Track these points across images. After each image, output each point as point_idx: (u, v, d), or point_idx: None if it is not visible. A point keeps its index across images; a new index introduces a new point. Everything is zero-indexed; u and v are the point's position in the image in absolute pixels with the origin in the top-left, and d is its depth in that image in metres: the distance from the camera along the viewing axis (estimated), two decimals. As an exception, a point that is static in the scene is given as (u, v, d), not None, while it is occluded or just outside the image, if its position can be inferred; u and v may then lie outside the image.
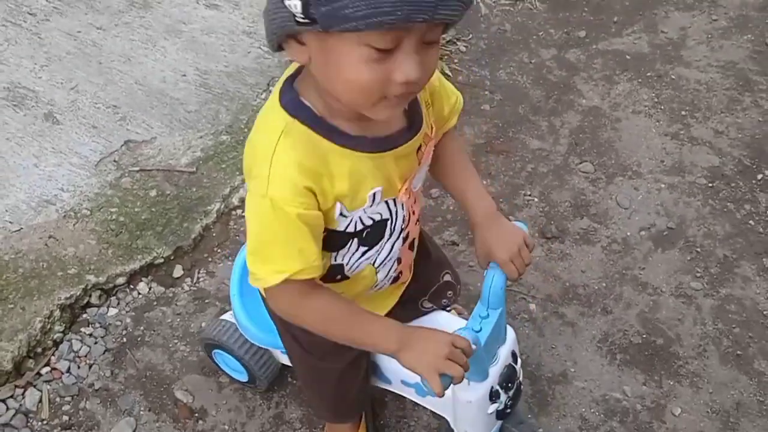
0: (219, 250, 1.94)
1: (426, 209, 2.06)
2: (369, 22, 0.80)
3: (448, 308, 1.41)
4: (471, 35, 2.53)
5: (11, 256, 1.82)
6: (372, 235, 1.09)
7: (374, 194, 1.03)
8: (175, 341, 1.76)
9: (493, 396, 1.29)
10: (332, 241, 1.04)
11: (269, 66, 2.37)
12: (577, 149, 2.18)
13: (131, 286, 1.85)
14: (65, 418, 1.63)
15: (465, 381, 1.11)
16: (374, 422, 1.60)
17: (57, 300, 1.76)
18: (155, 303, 1.83)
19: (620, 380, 1.69)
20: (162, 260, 1.89)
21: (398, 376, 1.36)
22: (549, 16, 2.62)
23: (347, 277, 1.13)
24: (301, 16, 0.83)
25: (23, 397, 1.64)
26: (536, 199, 2.05)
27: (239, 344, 1.54)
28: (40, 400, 1.65)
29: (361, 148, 0.99)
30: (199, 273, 1.89)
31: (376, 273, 1.17)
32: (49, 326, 1.73)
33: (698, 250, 1.93)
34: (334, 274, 1.12)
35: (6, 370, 1.64)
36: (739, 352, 1.73)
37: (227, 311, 1.79)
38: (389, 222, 1.10)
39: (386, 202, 1.07)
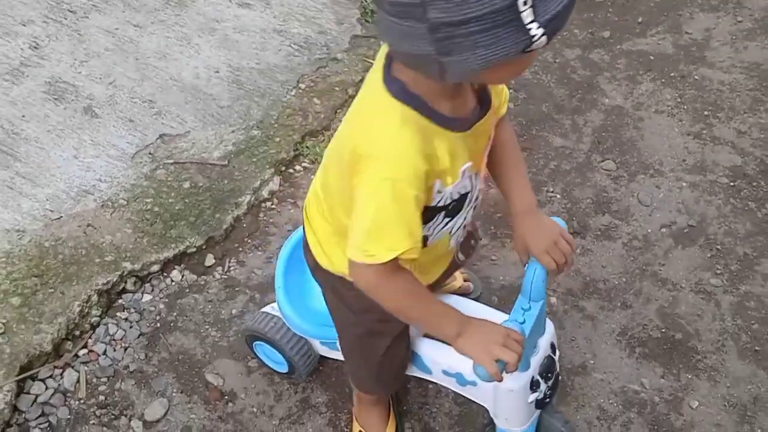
0: (249, 241, 2.01)
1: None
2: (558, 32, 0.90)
3: (470, 257, 1.48)
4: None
5: (51, 243, 1.90)
6: (456, 207, 1.19)
7: (465, 170, 1.13)
8: (207, 327, 1.82)
9: (534, 385, 1.35)
10: (425, 216, 1.13)
11: (299, 63, 2.43)
12: (600, 147, 2.22)
13: (165, 274, 1.92)
14: (101, 398, 1.70)
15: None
16: (397, 408, 1.66)
17: (94, 285, 1.83)
18: (187, 290, 1.90)
19: (639, 373, 1.72)
20: (194, 249, 1.96)
21: (439, 366, 1.42)
22: (574, 16, 2.65)
23: (426, 246, 1.21)
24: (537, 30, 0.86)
25: (62, 378, 1.72)
26: (558, 196, 2.09)
27: (282, 335, 1.60)
28: (78, 381, 1.72)
29: (455, 128, 1.08)
30: (229, 262, 1.96)
31: (450, 240, 1.27)
32: (86, 310, 1.81)
33: (718, 247, 1.96)
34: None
35: (46, 352, 1.72)
36: (757, 348, 1.76)
37: (258, 300, 1.86)
38: (469, 194, 1.19)
39: (469, 177, 1.16)
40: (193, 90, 2.29)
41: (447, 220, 1.20)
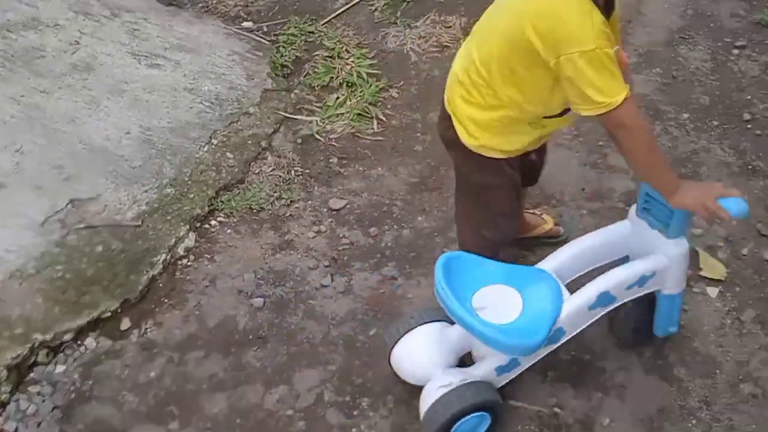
0: (166, 300, 2.01)
1: (364, 247, 2.17)
2: None
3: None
4: (402, 82, 2.68)
5: (-40, 317, 1.87)
6: None
7: (616, 49, 1.42)
8: (124, 393, 1.81)
9: None
10: None
11: (211, 120, 2.47)
12: (505, 182, 2.31)
13: (78, 342, 1.91)
14: (18, 473, 1.66)
15: None
16: None
17: (3, 361, 1.80)
18: (103, 357, 1.88)
19: (552, 396, 1.79)
20: (109, 314, 1.95)
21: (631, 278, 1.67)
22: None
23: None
24: None
25: (-25, 457, 1.68)
26: (468, 232, 2.17)
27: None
28: (-8, 459, 1.69)
29: (606, 15, 1.41)
30: (146, 324, 1.96)
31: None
32: (-3, 386, 1.77)
33: (619, 269, 2.07)
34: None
35: (-44, 431, 1.68)
36: (659, 362, 1.85)
37: (177, 361, 1.86)
38: None
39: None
40: (103, 152, 2.30)
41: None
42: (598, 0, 1.39)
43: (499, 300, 1.59)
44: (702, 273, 2.05)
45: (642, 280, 1.66)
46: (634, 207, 1.71)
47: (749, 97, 2.54)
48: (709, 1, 2.90)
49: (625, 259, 1.73)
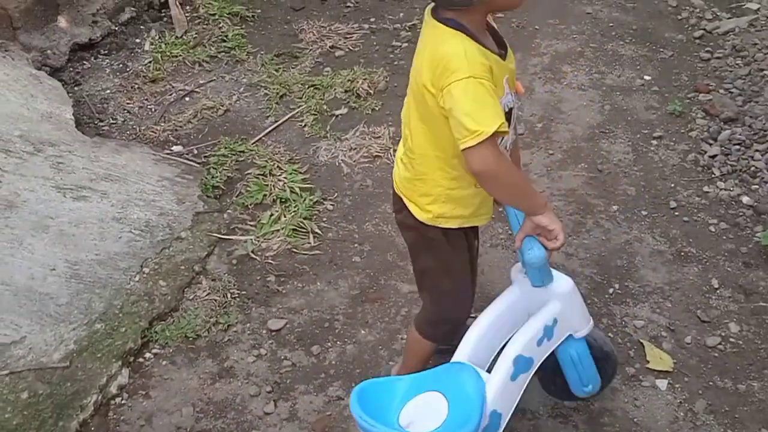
0: (98, 445, 1.89)
1: (307, 367, 2.10)
2: None
3: None
4: (336, 194, 2.68)
5: None
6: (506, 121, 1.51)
7: (506, 81, 1.51)
8: None
9: None
10: None
11: (141, 248, 2.41)
12: (445, 288, 2.30)
13: (4, 500, 1.76)
14: None
15: None
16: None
17: None
18: None
19: None
20: (36, 466, 1.81)
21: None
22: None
23: None
24: None
25: None
26: (412, 343, 2.13)
27: None
28: None
29: (494, 52, 1.49)
30: (77, 473, 1.82)
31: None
32: None
33: (567, 368, 2.04)
34: None
35: None
36: (618, 463, 1.80)
37: None
38: (512, 111, 1.56)
39: (511, 94, 1.54)
40: (27, 292, 2.21)
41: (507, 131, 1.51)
42: (478, 37, 1.46)
43: (425, 408, 1.57)
44: (649, 366, 2.04)
45: (548, 331, 1.69)
46: (514, 268, 1.77)
47: (672, 185, 2.63)
48: (624, 96, 3.04)
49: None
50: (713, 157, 2.72)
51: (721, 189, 2.59)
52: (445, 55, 1.43)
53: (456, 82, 1.41)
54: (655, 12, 3.52)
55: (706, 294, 2.25)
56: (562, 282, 1.71)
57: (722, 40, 3.29)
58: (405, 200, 1.68)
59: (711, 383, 2.00)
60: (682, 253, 2.38)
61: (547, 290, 1.69)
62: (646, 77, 3.13)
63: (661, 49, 3.28)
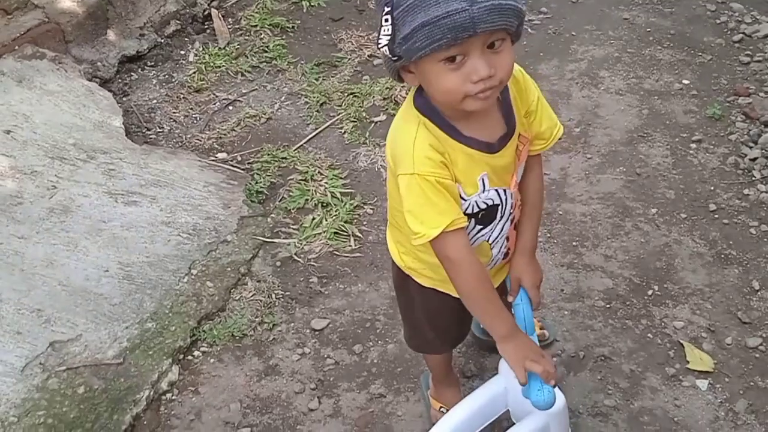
0: (151, 438, 1.96)
1: (350, 365, 2.15)
2: (432, 47, 1.19)
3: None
4: (376, 198, 2.74)
5: (-64, 475, 1.81)
6: (486, 216, 1.44)
7: (483, 179, 1.38)
8: None
9: None
10: None
11: (189, 250, 2.49)
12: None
13: (63, 489, 1.84)
14: None
15: None
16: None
17: None
18: (88, 502, 1.81)
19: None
20: (93, 456, 1.89)
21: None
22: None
23: None
24: (392, 56, 1.26)
25: None
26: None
27: None
28: None
29: (471, 145, 1.35)
30: (131, 464, 1.90)
31: (491, 248, 1.52)
32: None
33: (607, 368, 2.06)
34: None
35: None
36: (658, 461, 1.82)
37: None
38: (500, 207, 1.45)
39: (497, 191, 1.42)
40: (83, 292, 2.30)
41: (480, 227, 1.45)
42: (452, 123, 1.34)
43: None
44: (689, 366, 2.05)
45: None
46: (503, 362, 1.59)
47: (712, 188, 2.63)
48: (662, 101, 3.04)
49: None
50: (753, 160, 2.71)
51: (761, 192, 2.58)
52: (397, 144, 1.37)
53: (401, 175, 1.34)
54: (693, 16, 3.52)
55: (746, 296, 2.24)
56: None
57: (762, 44, 3.28)
58: (387, 237, 1.66)
59: (752, 383, 2.00)
60: (722, 255, 2.38)
61: None
62: (685, 81, 3.13)
63: (700, 54, 3.28)
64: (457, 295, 1.51)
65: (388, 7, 1.22)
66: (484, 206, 1.42)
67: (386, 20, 1.23)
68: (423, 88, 1.34)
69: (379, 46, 1.27)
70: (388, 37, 1.24)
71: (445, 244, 1.35)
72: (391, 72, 1.35)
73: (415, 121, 1.34)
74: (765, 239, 2.42)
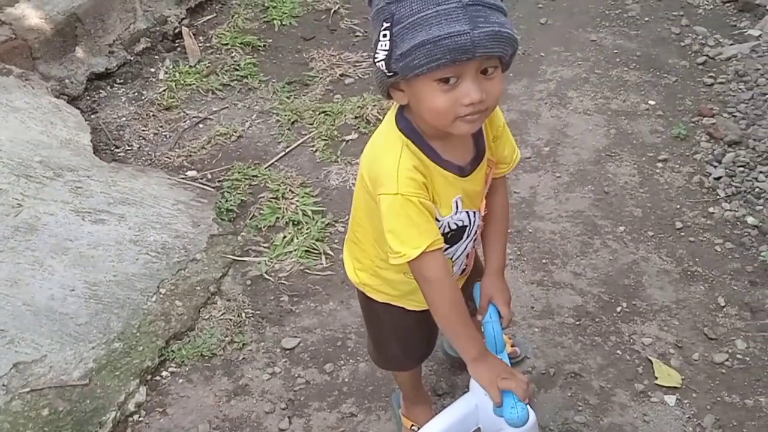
0: (117, 460, 1.92)
1: (321, 385, 2.13)
2: (430, 66, 1.21)
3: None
4: (347, 216, 2.71)
5: None
6: (454, 237, 1.47)
7: (456, 201, 1.42)
8: None
9: None
10: None
11: (157, 269, 2.46)
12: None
13: None
14: None
15: None
16: None
17: None
18: None
19: None
20: (57, 480, 1.85)
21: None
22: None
23: None
24: (388, 72, 1.25)
25: None
26: (424, 360, 2.17)
27: None
28: None
29: (448, 168, 1.38)
30: (96, 488, 1.86)
31: (453, 265, 1.55)
32: None
33: (577, 384, 2.07)
34: None
35: None
36: (628, 478, 1.83)
37: None
38: (468, 228, 1.48)
39: (467, 212, 1.45)
40: (47, 312, 2.26)
41: (447, 246, 1.45)
42: (432, 146, 1.36)
43: None
44: (658, 382, 2.07)
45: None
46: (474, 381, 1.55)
47: (678, 206, 2.67)
48: (629, 121, 3.10)
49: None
50: (718, 179, 2.76)
51: (726, 210, 2.64)
52: (378, 163, 1.37)
53: (383, 195, 1.34)
54: (658, 39, 3.60)
55: (712, 312, 2.28)
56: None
57: (725, 66, 3.36)
58: (344, 253, 1.68)
59: (719, 399, 2.03)
60: (689, 273, 2.41)
61: None
62: (651, 102, 3.19)
63: (665, 75, 3.35)
64: (415, 309, 1.59)
65: (387, 23, 1.23)
66: (454, 227, 1.45)
67: (384, 35, 1.24)
68: (409, 107, 1.34)
69: (375, 60, 1.27)
70: (386, 53, 1.24)
71: (424, 264, 1.36)
72: (380, 87, 1.34)
73: (398, 142, 1.35)
74: (729, 256, 2.46)
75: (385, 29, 1.24)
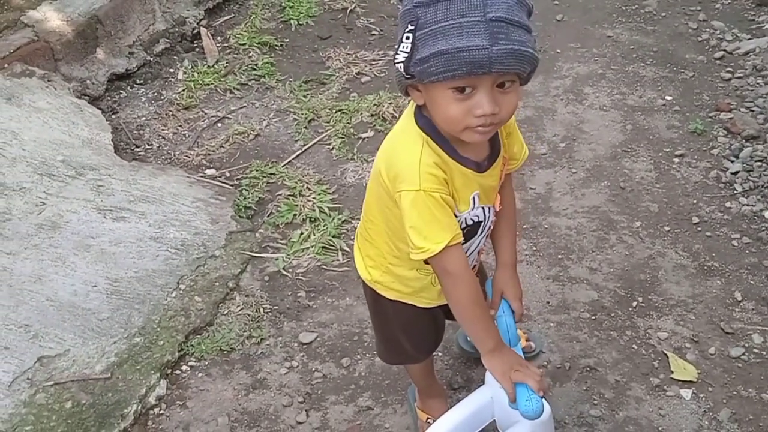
0: (138, 452, 1.96)
1: (338, 379, 2.16)
2: (445, 75, 1.23)
3: None
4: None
5: None
6: (470, 232, 1.49)
7: (474, 197, 1.43)
8: None
9: None
10: None
11: (177, 265, 2.50)
12: (471, 302, 2.35)
13: (49, 504, 1.83)
14: None
15: None
16: None
17: None
18: None
19: None
20: (80, 471, 1.89)
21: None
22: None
23: None
24: (406, 74, 1.29)
25: None
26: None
27: None
28: None
29: (466, 164, 1.40)
30: (119, 478, 1.89)
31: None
32: None
33: (592, 378, 2.08)
34: None
35: None
36: (643, 470, 1.83)
37: None
38: (482, 223, 1.50)
39: (483, 208, 1.47)
40: (70, 308, 2.31)
41: (462, 241, 1.45)
42: (451, 143, 1.38)
43: None
44: (673, 376, 2.07)
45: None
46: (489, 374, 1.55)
47: (695, 201, 2.67)
48: (645, 116, 3.09)
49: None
50: (735, 173, 2.75)
51: (743, 204, 2.62)
52: (400, 162, 1.38)
53: (405, 192, 1.35)
54: (675, 34, 3.58)
55: (729, 306, 2.27)
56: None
57: (743, 61, 3.34)
58: (355, 251, 1.69)
59: (735, 393, 2.03)
60: (705, 267, 2.41)
61: None
62: (668, 97, 3.19)
63: (682, 70, 3.34)
64: (425, 306, 1.62)
65: (412, 25, 1.25)
66: (471, 222, 1.47)
67: (407, 38, 1.26)
68: (425, 107, 1.37)
69: (395, 61, 1.29)
70: (406, 55, 1.27)
71: (446, 258, 1.38)
72: (399, 86, 1.38)
73: (419, 139, 1.37)
74: (746, 251, 2.45)
75: (408, 32, 1.26)
